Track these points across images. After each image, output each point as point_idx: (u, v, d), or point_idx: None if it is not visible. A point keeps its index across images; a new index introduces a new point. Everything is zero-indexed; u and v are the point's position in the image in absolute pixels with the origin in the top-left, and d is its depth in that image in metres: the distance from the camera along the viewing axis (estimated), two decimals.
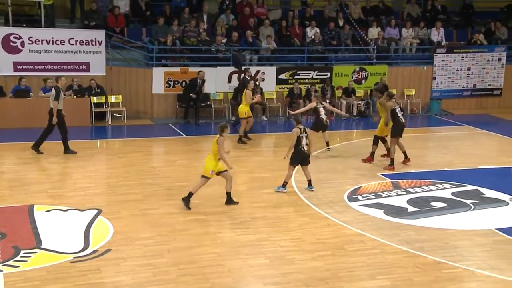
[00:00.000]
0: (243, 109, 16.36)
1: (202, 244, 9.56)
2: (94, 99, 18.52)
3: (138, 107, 19.58)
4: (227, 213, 11.00)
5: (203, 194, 12.01)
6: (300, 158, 12.18)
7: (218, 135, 11.03)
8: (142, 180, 12.95)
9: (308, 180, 12.43)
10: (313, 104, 15.40)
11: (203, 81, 19.02)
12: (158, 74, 19.34)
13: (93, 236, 9.76)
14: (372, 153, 14.60)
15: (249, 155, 15.43)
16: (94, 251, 9.19)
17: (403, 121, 14.32)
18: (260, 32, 21.03)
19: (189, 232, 10.07)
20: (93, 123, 18.34)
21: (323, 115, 15.32)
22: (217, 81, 19.86)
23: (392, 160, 14.15)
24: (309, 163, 12.38)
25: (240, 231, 10.18)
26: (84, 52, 18.98)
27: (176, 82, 19.48)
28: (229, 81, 19.97)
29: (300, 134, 12.10)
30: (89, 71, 18.98)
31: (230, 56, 19.97)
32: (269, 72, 20.30)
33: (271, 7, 23.24)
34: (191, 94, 18.86)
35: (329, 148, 15.68)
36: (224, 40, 20.33)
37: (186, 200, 11.19)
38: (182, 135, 17.63)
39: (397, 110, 14.16)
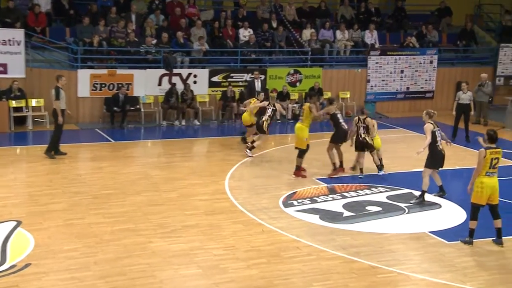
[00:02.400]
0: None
1: (132, 255, 9.18)
2: (13, 103, 17.53)
3: None
4: (157, 222, 10.61)
5: (135, 201, 11.66)
6: None
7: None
8: (67, 188, 12.35)
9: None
10: (265, 103, 15.31)
11: (126, 95, 18.56)
12: (84, 77, 18.58)
13: (11, 250, 9.18)
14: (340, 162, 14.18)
15: (181, 161, 15.03)
16: (12, 266, 8.63)
17: (345, 127, 13.94)
18: (191, 33, 20.60)
19: (118, 242, 9.65)
20: (12, 129, 17.42)
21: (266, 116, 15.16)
22: (146, 84, 19.30)
23: (341, 163, 13.95)
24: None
25: (172, 240, 9.86)
26: (1, 52, 17.94)
27: (103, 85, 18.76)
28: (160, 84, 19.44)
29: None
30: (6, 73, 17.96)
31: (160, 58, 19.46)
32: (201, 75, 19.90)
33: (202, 8, 22.85)
34: (115, 108, 18.38)
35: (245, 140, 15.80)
36: (154, 42, 19.80)
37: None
38: (110, 140, 16.99)
39: (338, 116, 13.93)
